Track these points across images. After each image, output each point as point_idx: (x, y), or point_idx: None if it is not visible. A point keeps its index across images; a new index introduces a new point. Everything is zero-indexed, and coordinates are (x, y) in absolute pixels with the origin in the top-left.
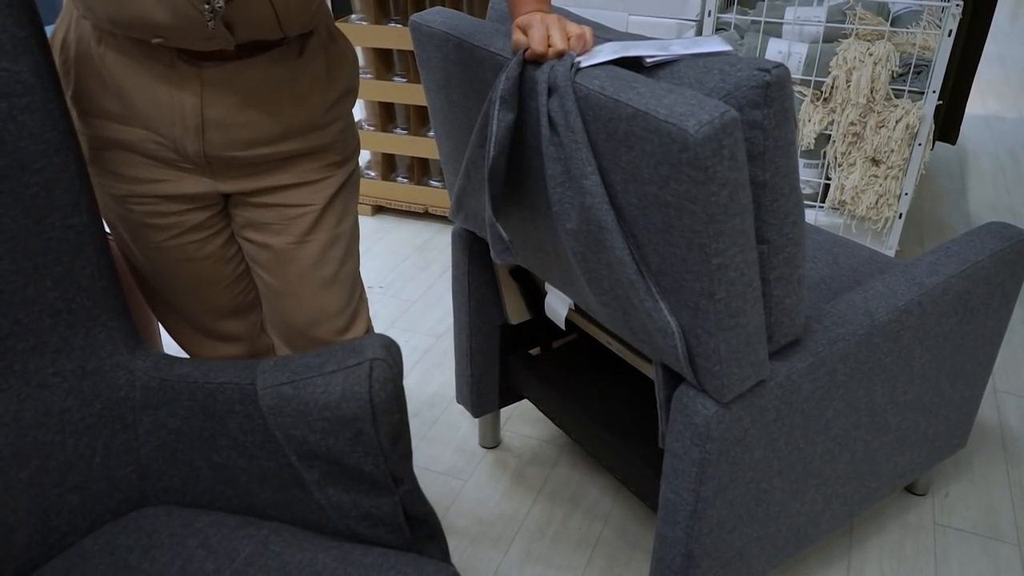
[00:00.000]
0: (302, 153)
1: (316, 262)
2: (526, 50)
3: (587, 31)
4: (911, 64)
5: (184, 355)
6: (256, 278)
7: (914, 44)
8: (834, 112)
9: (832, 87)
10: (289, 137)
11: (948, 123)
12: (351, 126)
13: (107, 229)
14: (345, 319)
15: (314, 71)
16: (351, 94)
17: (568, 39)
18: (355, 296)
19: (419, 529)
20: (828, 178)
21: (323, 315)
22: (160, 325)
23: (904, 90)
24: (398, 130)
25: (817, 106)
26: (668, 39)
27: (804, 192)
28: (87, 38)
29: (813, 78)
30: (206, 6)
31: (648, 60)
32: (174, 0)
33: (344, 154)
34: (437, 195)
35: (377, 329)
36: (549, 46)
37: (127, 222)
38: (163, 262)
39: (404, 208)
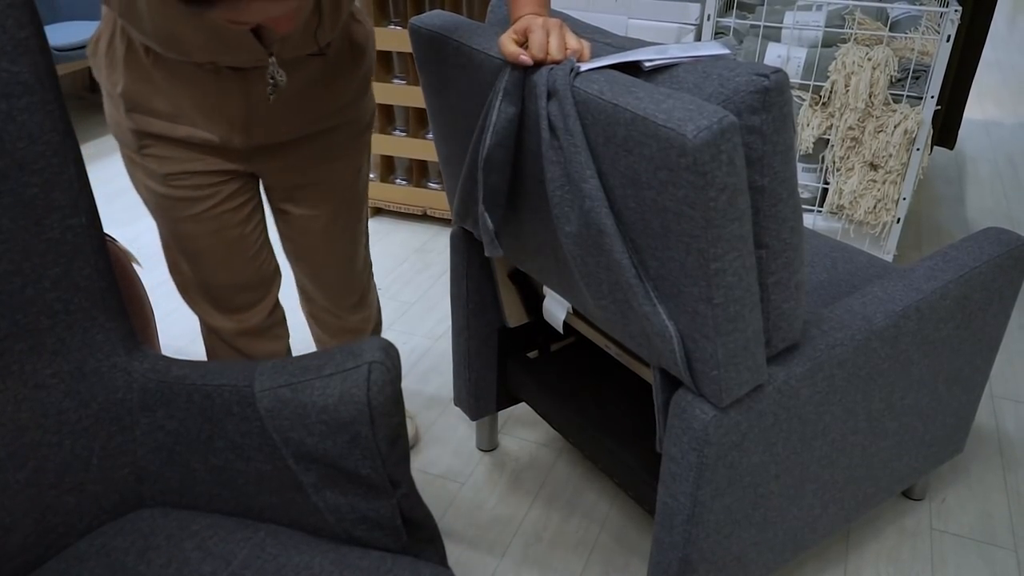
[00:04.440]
0: (332, 127)
1: (338, 231)
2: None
3: (586, 48)
4: (910, 69)
5: (183, 356)
6: (286, 250)
7: (913, 49)
8: (833, 116)
9: (831, 92)
10: (322, 118)
11: (946, 128)
12: (371, 94)
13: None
14: (358, 295)
15: (340, 55)
16: (372, 66)
17: (566, 50)
18: (366, 270)
19: (416, 532)
20: (827, 182)
21: (343, 285)
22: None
23: (903, 95)
24: (397, 132)
25: (816, 110)
26: (667, 43)
27: (802, 196)
28: (136, 46)
29: (812, 82)
30: (271, 82)
31: (647, 64)
32: (235, 50)
33: (364, 120)
34: (436, 197)
35: None
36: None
37: (168, 197)
38: (198, 234)
39: (403, 210)
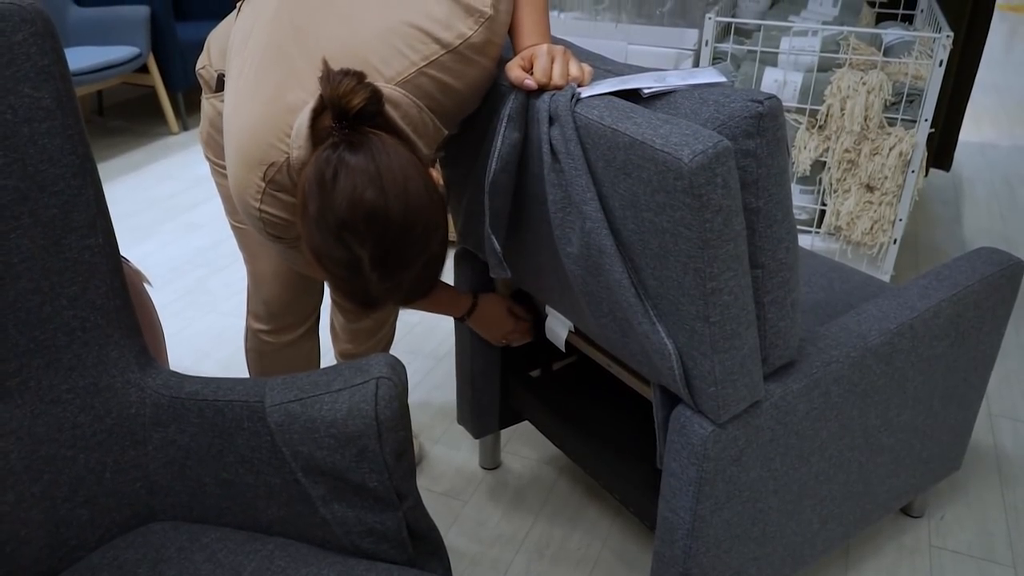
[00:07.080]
0: None
1: None
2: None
3: (587, 74)
4: (904, 93)
5: (196, 373)
6: None
7: (906, 73)
8: (829, 139)
9: (827, 115)
10: None
11: (942, 150)
12: None
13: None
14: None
15: None
16: None
17: (568, 77)
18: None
19: (421, 545)
20: (824, 204)
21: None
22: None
23: (897, 118)
24: None
25: (812, 133)
26: (665, 70)
27: (800, 218)
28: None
29: (808, 106)
30: None
31: (645, 91)
32: None
33: None
34: None
35: None
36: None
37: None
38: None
39: None
